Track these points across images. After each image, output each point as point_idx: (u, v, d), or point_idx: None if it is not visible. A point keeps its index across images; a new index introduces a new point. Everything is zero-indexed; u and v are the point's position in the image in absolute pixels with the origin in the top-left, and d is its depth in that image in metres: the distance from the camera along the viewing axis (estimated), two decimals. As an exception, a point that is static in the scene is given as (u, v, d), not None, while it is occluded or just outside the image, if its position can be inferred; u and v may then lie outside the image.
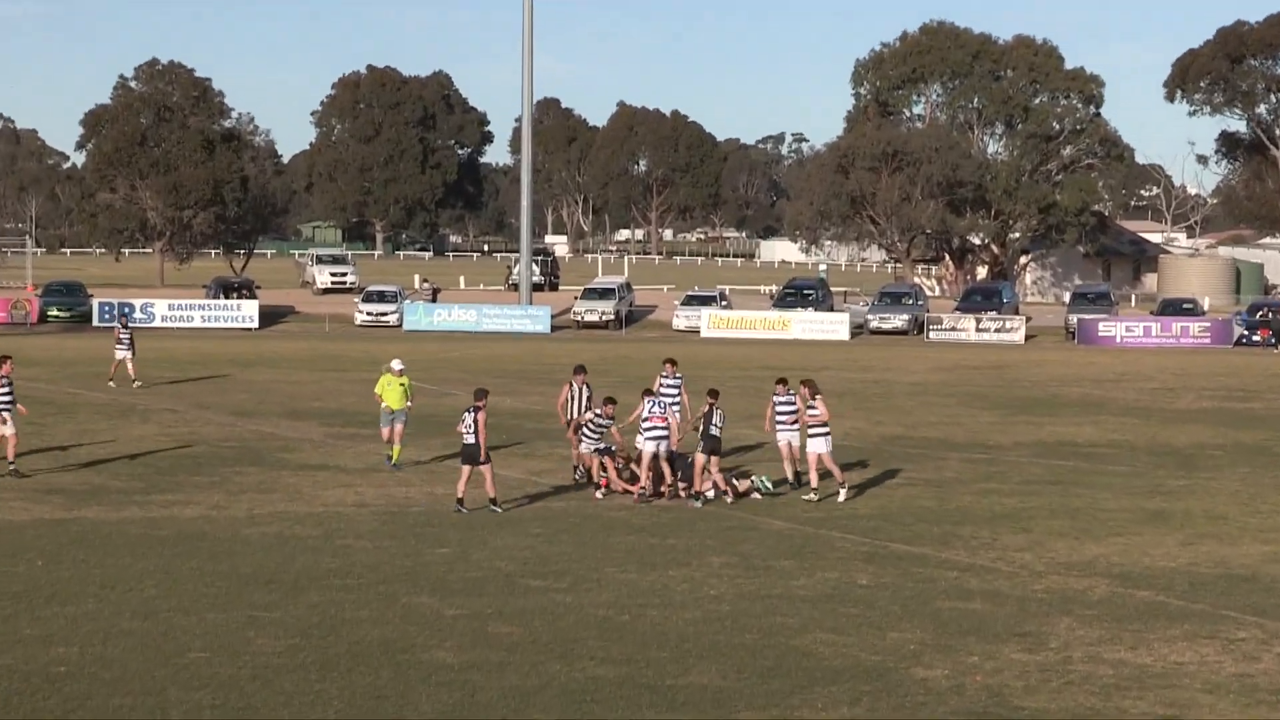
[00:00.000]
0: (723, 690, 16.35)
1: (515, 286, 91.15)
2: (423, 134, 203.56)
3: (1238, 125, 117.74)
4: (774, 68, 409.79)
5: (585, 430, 29.03)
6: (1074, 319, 76.46)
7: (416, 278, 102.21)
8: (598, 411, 28.86)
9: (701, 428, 28.15)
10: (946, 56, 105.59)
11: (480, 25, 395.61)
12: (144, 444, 34.61)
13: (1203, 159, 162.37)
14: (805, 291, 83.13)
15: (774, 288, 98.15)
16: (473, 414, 26.58)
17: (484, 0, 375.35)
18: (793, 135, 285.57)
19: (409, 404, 31.85)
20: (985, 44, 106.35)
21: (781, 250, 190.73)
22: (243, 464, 32.01)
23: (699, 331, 76.53)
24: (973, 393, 49.03)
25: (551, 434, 34.34)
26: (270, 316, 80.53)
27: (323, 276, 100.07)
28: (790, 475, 29.09)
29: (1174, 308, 78.77)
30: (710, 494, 27.96)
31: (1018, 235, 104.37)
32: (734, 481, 28.61)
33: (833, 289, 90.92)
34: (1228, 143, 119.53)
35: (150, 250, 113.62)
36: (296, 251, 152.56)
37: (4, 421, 29.81)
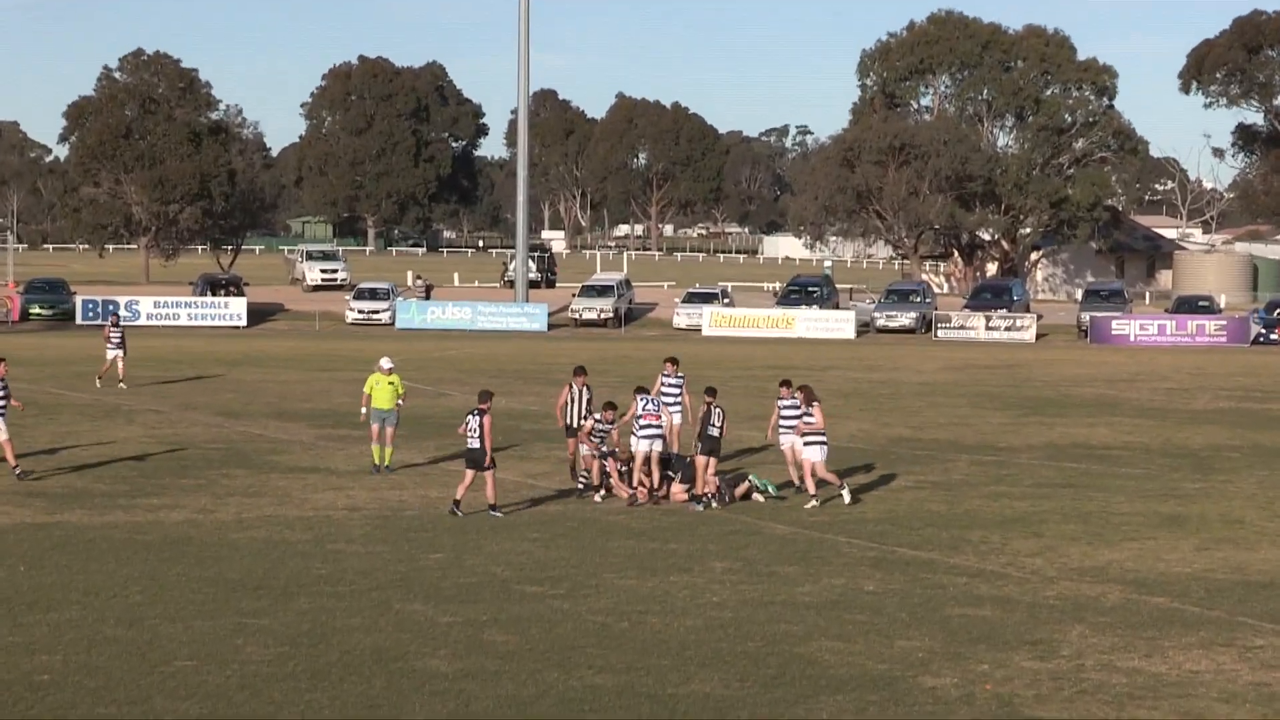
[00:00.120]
0: (725, 699, 16.35)
1: (511, 283, 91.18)
2: (416, 126, 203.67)
3: (1255, 117, 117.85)
4: (778, 58, 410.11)
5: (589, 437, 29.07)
6: (1086, 317, 76.48)
7: (409, 274, 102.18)
8: (598, 417, 28.87)
9: (700, 428, 28.15)
10: (955, 47, 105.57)
11: (475, 14, 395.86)
12: (129, 446, 34.61)
13: (1219, 152, 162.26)
14: (810, 289, 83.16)
15: (777, 285, 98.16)
16: (477, 417, 26.56)
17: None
18: (797, 128, 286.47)
19: (400, 402, 31.71)
20: (995, 34, 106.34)
21: (785, 246, 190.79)
22: (230, 466, 32.01)
23: (700, 330, 76.56)
24: (982, 393, 49.05)
25: (549, 436, 34.34)
26: (259, 314, 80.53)
27: (313, 273, 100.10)
28: (795, 479, 29.09)
29: (1189, 305, 78.78)
30: (710, 495, 27.93)
31: (1028, 231, 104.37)
32: (731, 488, 28.53)
33: (838, 286, 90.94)
34: (1244, 135, 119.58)
35: (135, 246, 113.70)
36: (286, 247, 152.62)
37: None
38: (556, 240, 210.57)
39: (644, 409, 28.10)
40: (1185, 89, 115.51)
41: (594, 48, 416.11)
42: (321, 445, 35.37)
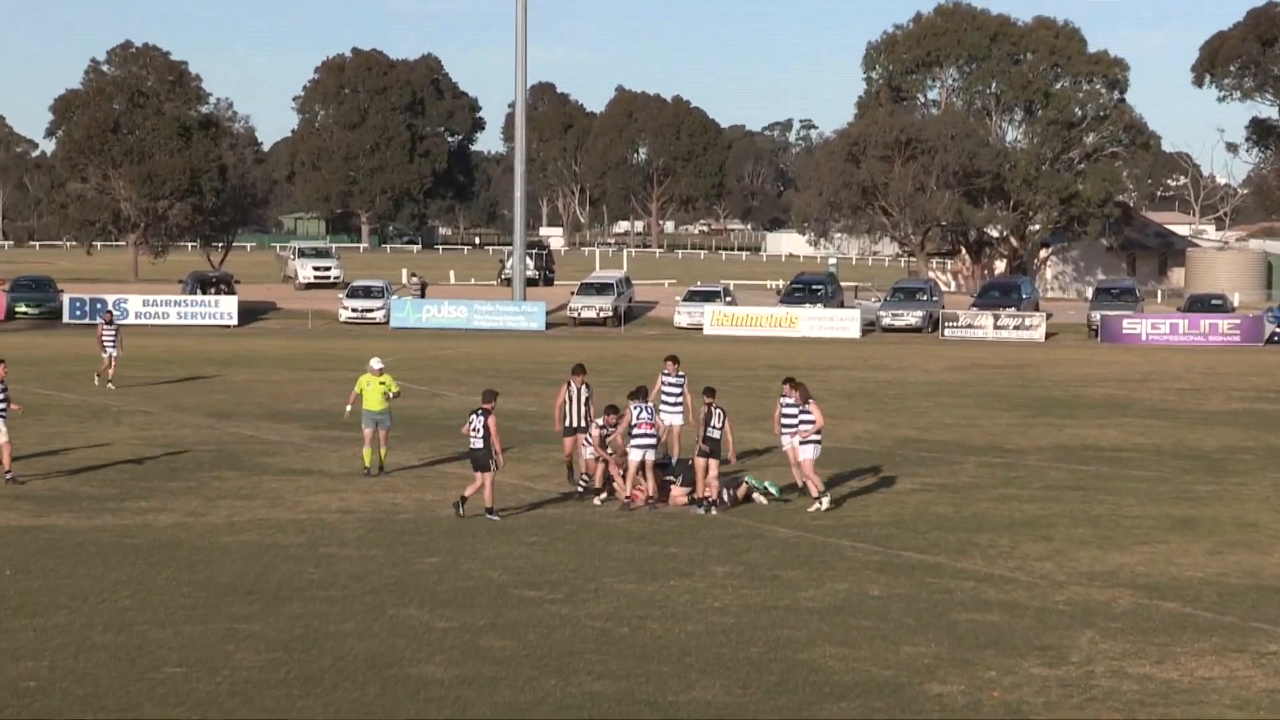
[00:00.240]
0: (727, 706, 16.37)
1: (508, 281, 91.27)
2: (411, 120, 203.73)
3: (1269, 111, 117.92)
4: (781, 51, 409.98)
5: (588, 437, 29.09)
6: (1097, 316, 76.55)
7: (404, 272, 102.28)
8: (600, 422, 28.89)
9: (700, 430, 28.16)
10: (963, 39, 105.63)
11: (471, 5, 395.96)
12: (117, 448, 34.64)
13: (1232, 147, 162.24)
14: (814, 287, 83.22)
15: (781, 283, 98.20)
16: (481, 417, 26.58)
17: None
18: (801, 122, 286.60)
19: (390, 395, 31.44)
20: (1003, 26, 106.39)
21: (789, 243, 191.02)
22: (221, 468, 32.04)
23: (702, 329, 76.60)
24: (990, 393, 49.08)
25: (547, 437, 34.36)
26: (250, 313, 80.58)
27: (305, 271, 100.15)
28: (798, 480, 29.06)
29: (1202, 304, 78.84)
30: (711, 499, 27.94)
31: (1038, 227, 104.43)
32: (732, 491, 28.54)
33: (843, 284, 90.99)
34: (1259, 130, 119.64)
35: (124, 243, 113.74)
36: (278, 244, 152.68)
37: None
38: (555, 237, 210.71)
39: (638, 418, 28.08)
40: (1198, 82, 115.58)
41: (593, 39, 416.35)
42: (314, 447, 35.39)
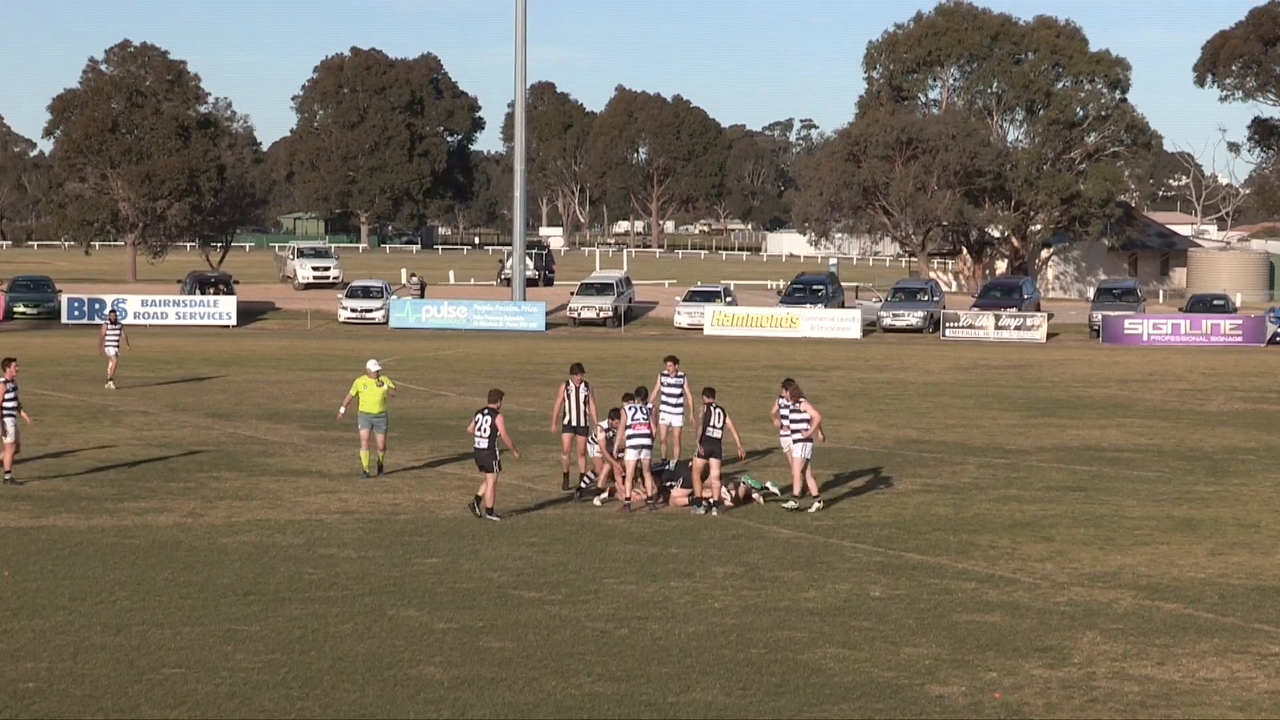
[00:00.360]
0: (727, 708, 16.39)
1: (508, 281, 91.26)
2: (410, 120, 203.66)
3: (1272, 111, 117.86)
4: (782, 50, 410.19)
5: (593, 437, 29.14)
6: (1098, 316, 76.51)
7: (404, 272, 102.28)
8: (604, 425, 28.90)
9: (699, 430, 28.16)
10: (964, 38, 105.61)
11: (471, 4, 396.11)
12: (115, 448, 34.65)
13: (1234, 147, 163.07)
14: (814, 287, 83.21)
15: (781, 283, 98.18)
16: (488, 417, 26.59)
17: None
18: (801, 122, 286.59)
19: (385, 385, 31.37)
20: (1005, 25, 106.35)
21: (789, 243, 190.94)
22: (220, 469, 32.05)
23: (702, 329, 76.60)
24: (992, 394, 49.09)
25: (546, 438, 34.37)
26: (249, 313, 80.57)
27: (304, 271, 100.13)
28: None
29: (1204, 304, 78.80)
30: (712, 500, 27.96)
31: (1039, 227, 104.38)
32: (732, 491, 28.54)
33: (844, 284, 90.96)
34: (1261, 129, 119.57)
35: (122, 243, 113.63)
36: (277, 244, 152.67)
37: (3, 431, 29.76)
38: (554, 237, 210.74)
39: (633, 419, 28.07)
40: (1200, 82, 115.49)
41: (593, 39, 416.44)
42: (313, 447, 35.41)
